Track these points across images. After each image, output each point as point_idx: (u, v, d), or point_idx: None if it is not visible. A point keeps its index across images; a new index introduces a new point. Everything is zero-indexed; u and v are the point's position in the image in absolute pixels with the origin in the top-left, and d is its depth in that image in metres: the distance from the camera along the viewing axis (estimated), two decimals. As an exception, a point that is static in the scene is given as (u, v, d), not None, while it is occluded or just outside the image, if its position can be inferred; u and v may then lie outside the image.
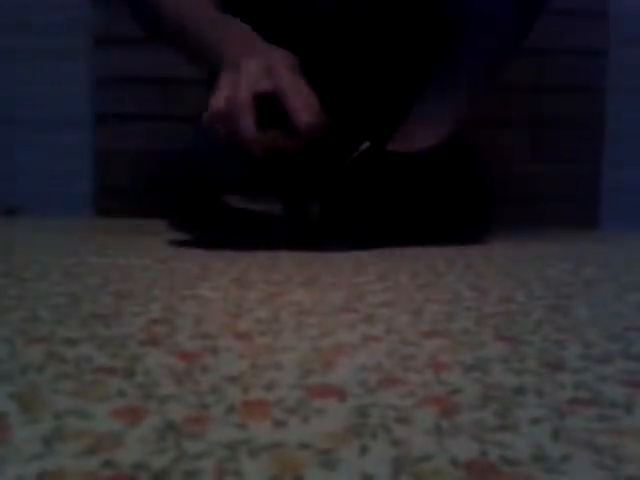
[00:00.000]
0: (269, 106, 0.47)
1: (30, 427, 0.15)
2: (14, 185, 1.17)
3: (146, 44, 1.21)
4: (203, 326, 0.25)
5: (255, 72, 0.47)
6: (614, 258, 0.53)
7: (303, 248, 0.52)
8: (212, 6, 0.60)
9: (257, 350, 0.22)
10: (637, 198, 1.21)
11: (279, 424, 0.15)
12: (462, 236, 0.61)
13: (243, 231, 0.54)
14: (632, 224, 1.17)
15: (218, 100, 0.47)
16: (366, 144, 0.57)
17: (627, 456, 0.14)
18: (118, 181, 1.22)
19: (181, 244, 0.55)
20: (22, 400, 0.16)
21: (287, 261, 0.45)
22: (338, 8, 0.72)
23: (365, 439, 0.14)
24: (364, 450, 0.14)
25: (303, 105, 0.47)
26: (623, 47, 1.19)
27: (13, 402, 0.16)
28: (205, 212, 0.54)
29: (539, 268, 0.44)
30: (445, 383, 0.18)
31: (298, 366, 0.20)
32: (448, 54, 0.63)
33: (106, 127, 1.22)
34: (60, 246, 0.53)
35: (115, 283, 0.35)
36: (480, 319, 0.27)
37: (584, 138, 1.23)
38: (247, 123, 0.46)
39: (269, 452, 0.14)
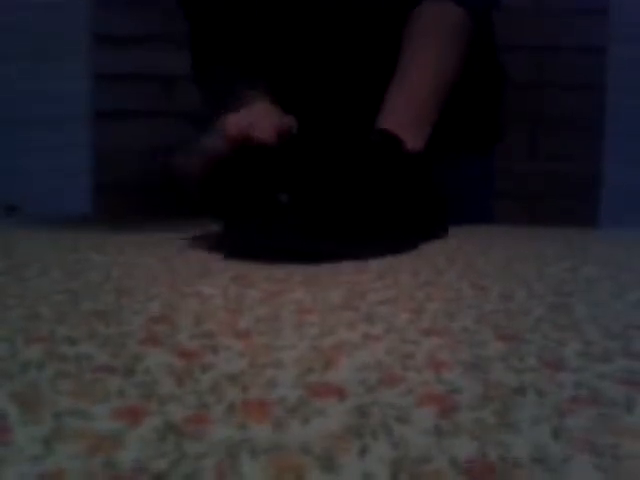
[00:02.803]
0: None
1: (30, 427, 0.15)
2: (14, 182, 1.17)
3: (145, 42, 1.20)
4: (203, 324, 0.25)
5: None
6: (614, 257, 0.53)
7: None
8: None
9: (257, 349, 0.22)
10: (637, 197, 1.21)
11: (279, 424, 0.15)
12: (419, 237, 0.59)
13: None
14: (632, 222, 1.17)
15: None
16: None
17: (627, 455, 0.14)
18: (118, 178, 1.22)
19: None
20: (22, 400, 0.16)
21: (287, 260, 0.45)
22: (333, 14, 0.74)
23: (365, 439, 0.14)
24: (364, 450, 0.14)
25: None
26: (623, 44, 1.19)
27: (13, 402, 0.16)
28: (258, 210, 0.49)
29: (539, 266, 0.44)
30: (445, 382, 0.18)
31: (298, 365, 0.20)
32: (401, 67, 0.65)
33: (106, 124, 1.22)
34: (60, 243, 0.53)
35: (115, 281, 0.35)
36: (480, 317, 0.27)
37: (583, 136, 1.23)
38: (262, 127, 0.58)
39: (269, 452, 0.14)
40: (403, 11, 0.68)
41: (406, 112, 0.62)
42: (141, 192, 1.21)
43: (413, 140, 0.59)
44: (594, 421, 0.16)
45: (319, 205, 0.48)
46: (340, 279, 0.37)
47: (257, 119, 0.59)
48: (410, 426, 0.15)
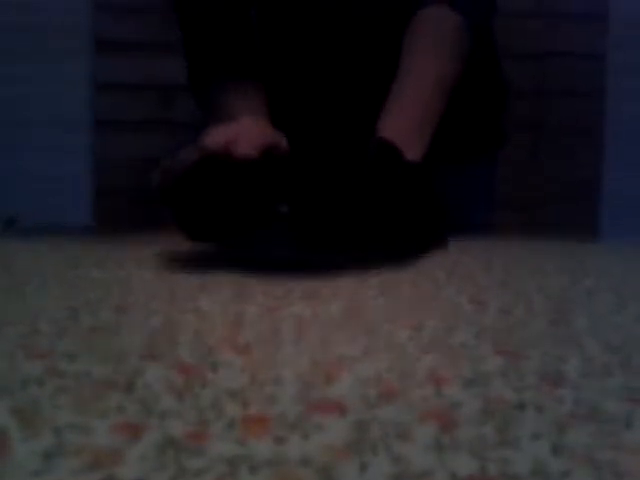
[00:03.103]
0: None
1: (30, 443, 0.15)
2: (13, 191, 1.17)
3: (145, 50, 1.21)
4: (203, 340, 0.25)
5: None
6: (613, 269, 0.53)
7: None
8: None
9: (257, 364, 0.22)
10: (637, 202, 1.21)
11: (279, 440, 0.15)
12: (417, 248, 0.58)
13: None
14: (631, 228, 1.17)
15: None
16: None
17: (627, 471, 0.14)
18: (117, 187, 1.22)
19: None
20: (22, 415, 0.16)
21: (286, 273, 0.45)
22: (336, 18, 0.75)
23: (365, 455, 0.14)
24: (364, 466, 0.14)
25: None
26: (622, 51, 1.19)
27: (13, 417, 0.16)
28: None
29: (539, 280, 0.44)
30: (445, 398, 0.18)
31: (298, 380, 0.20)
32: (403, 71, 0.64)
33: (105, 132, 1.22)
34: (60, 259, 0.53)
35: (115, 296, 0.35)
36: (480, 332, 0.27)
37: (584, 142, 1.23)
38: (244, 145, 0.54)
39: (269, 468, 0.14)
40: (402, 17, 0.69)
41: (405, 120, 0.62)
42: (140, 200, 1.21)
43: (412, 149, 0.59)
44: (593, 437, 0.16)
45: (318, 216, 0.48)
46: (340, 293, 0.37)
47: (240, 134, 0.56)
48: (410, 442, 0.15)
